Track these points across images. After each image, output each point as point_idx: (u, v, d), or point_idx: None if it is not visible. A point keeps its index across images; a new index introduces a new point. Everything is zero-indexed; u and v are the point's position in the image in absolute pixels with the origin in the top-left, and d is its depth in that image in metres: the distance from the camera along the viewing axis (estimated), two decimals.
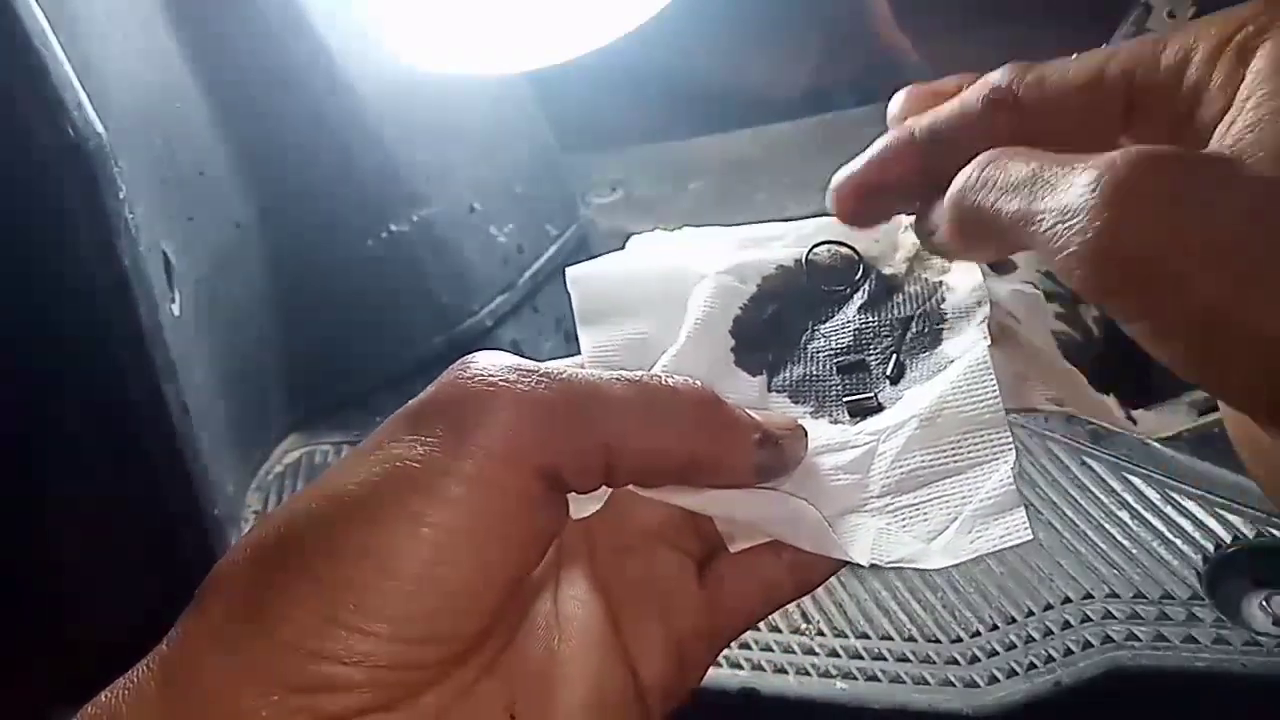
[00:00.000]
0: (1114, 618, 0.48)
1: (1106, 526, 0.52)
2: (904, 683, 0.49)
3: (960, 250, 0.33)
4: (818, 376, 0.36)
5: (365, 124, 0.71)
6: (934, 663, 0.49)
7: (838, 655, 0.51)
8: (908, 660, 0.50)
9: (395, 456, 0.26)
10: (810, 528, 0.31)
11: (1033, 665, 0.48)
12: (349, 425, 0.72)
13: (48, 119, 0.49)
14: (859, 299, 0.37)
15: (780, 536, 0.32)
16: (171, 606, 0.26)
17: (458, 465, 0.26)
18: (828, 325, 0.37)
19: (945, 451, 0.32)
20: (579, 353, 0.36)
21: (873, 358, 0.35)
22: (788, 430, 0.31)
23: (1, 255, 0.52)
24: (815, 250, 0.38)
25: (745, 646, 0.52)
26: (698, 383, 0.30)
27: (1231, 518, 0.51)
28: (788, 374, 0.36)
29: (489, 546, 0.26)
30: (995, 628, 0.50)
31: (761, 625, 0.52)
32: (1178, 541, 0.51)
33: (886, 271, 0.37)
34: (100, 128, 0.51)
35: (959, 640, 0.50)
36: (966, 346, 0.33)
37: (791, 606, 0.53)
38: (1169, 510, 0.52)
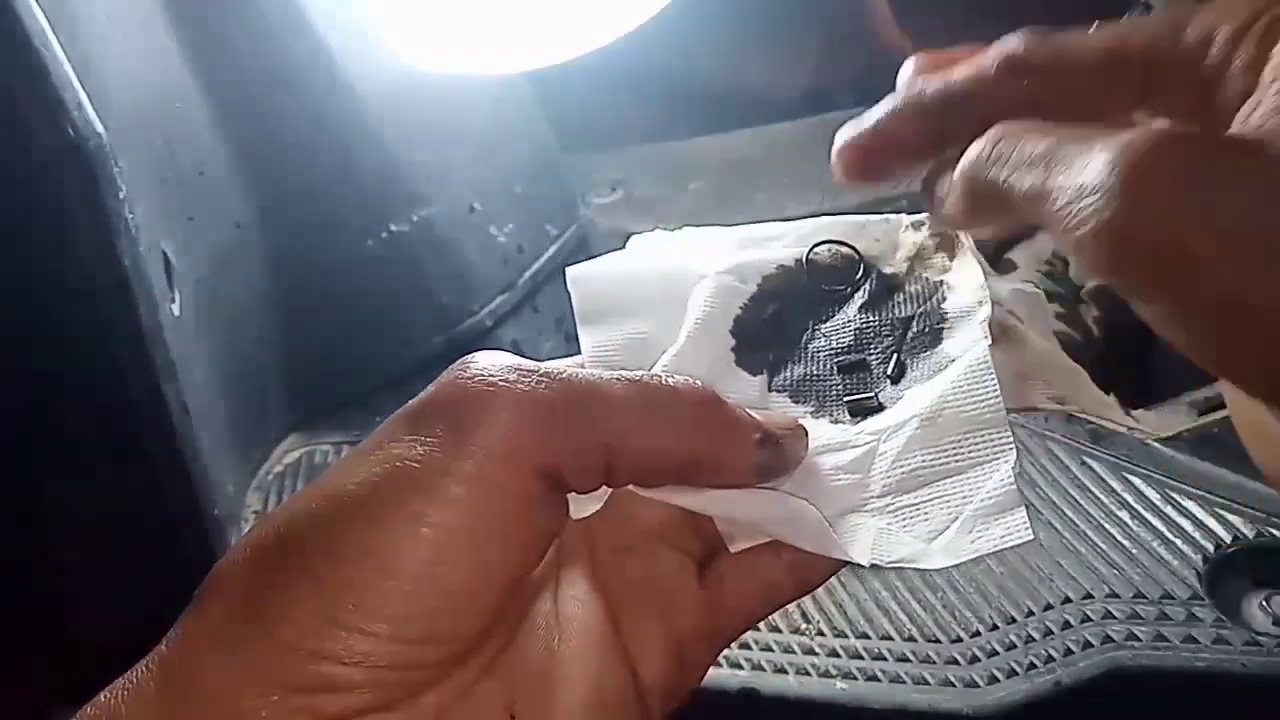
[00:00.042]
0: (1114, 618, 0.48)
1: (1106, 526, 0.52)
2: (904, 683, 0.49)
3: (968, 223, 0.33)
4: (818, 376, 0.36)
5: (365, 124, 0.71)
6: (934, 663, 0.49)
7: (838, 655, 0.51)
8: (908, 660, 0.50)
9: (395, 456, 0.26)
10: (810, 528, 0.31)
11: (1033, 665, 0.48)
12: (349, 425, 0.72)
13: (48, 119, 0.49)
14: (859, 298, 0.37)
15: (780, 536, 0.32)
16: (171, 606, 0.26)
17: (458, 465, 0.26)
18: (828, 325, 0.37)
19: (946, 451, 0.32)
20: (579, 353, 0.36)
21: (873, 357, 0.35)
22: (788, 430, 0.31)
23: (1, 255, 0.52)
24: (816, 250, 0.38)
25: (745, 646, 0.52)
26: (698, 382, 0.30)
27: (1231, 518, 0.51)
28: (788, 374, 0.36)
29: (489, 546, 0.26)
30: (995, 628, 0.50)
31: (761, 625, 0.52)
32: (1178, 541, 0.51)
33: (887, 271, 0.37)
34: (100, 128, 0.51)
35: (959, 640, 0.50)
36: (967, 346, 0.33)
37: (791, 606, 0.53)
38: (1169, 510, 0.52)
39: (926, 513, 0.31)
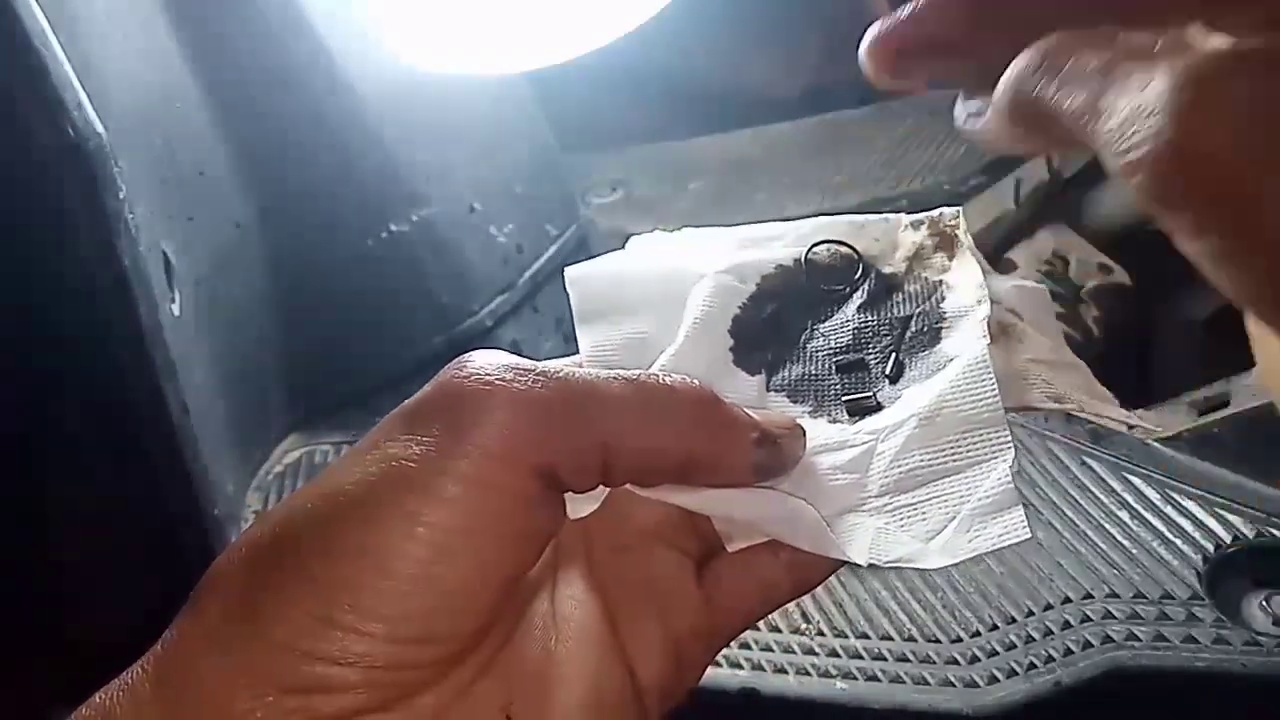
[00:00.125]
0: (1114, 618, 0.48)
1: (1106, 526, 0.52)
2: (904, 683, 0.49)
3: (1006, 142, 0.29)
4: (817, 376, 0.35)
5: (365, 124, 0.71)
6: (934, 663, 0.49)
7: (838, 655, 0.51)
8: (908, 660, 0.50)
9: (391, 456, 0.26)
10: (808, 527, 0.31)
11: (1033, 665, 0.48)
12: (349, 425, 0.72)
13: (48, 119, 0.49)
14: (858, 298, 0.37)
15: (778, 536, 0.32)
16: (171, 606, 0.26)
17: (454, 465, 0.26)
18: (827, 324, 0.37)
19: (944, 451, 0.32)
20: (578, 353, 0.36)
21: (872, 357, 0.35)
22: (786, 429, 0.31)
23: (1, 255, 0.52)
24: (814, 250, 0.38)
25: (745, 646, 0.52)
26: (696, 381, 0.30)
27: (1231, 518, 0.51)
28: (786, 373, 0.36)
29: (485, 546, 0.26)
30: (995, 628, 0.50)
31: (761, 625, 0.52)
32: (1178, 541, 0.51)
33: (886, 270, 0.37)
34: (100, 128, 0.51)
35: (959, 640, 0.50)
36: (966, 345, 0.33)
37: (791, 606, 0.53)
38: (1169, 510, 0.52)
39: (924, 512, 0.31)
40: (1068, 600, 0.50)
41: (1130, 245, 0.78)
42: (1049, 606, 0.50)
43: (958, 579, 0.52)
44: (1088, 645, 0.48)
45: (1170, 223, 0.24)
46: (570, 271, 0.37)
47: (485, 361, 0.27)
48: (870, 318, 0.36)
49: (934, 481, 0.32)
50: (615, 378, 0.28)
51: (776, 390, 0.36)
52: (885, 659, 0.50)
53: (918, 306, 0.36)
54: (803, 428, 0.32)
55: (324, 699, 0.24)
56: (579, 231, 0.86)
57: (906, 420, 0.33)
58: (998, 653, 0.49)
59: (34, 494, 0.58)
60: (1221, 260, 0.23)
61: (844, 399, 0.35)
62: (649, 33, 0.67)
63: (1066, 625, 0.49)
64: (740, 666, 0.51)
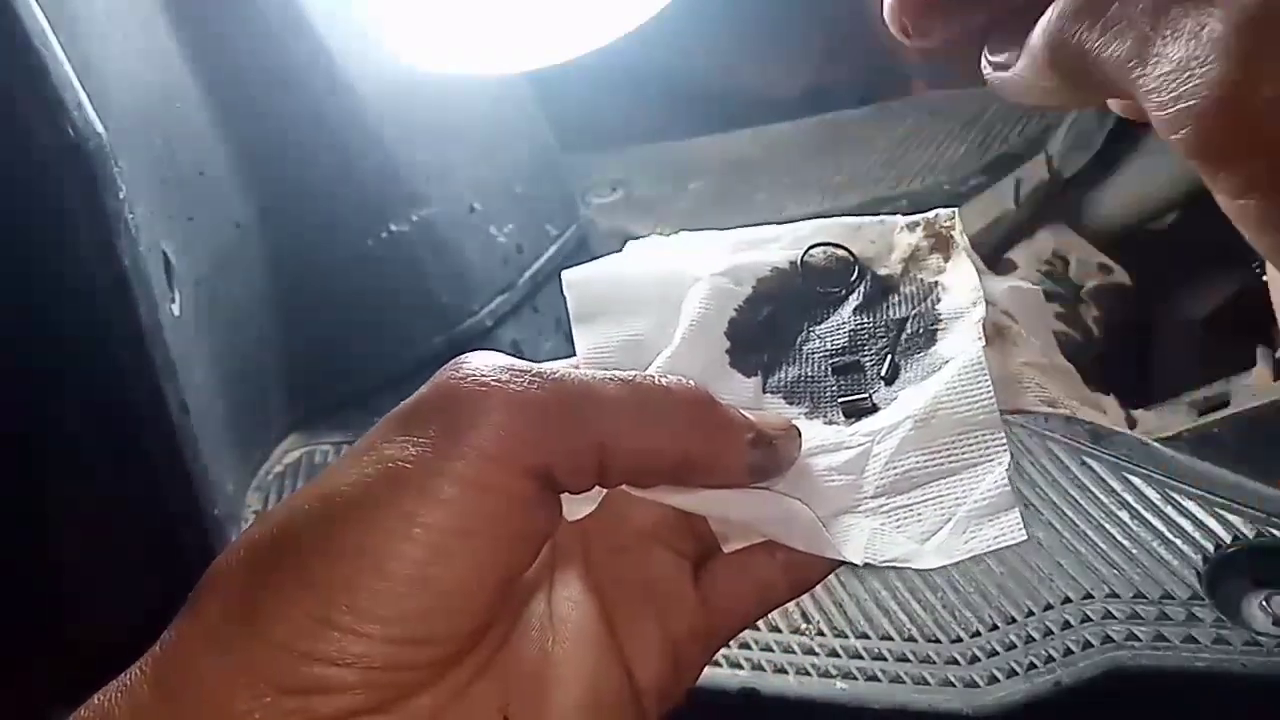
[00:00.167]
0: (1114, 618, 0.48)
1: (1106, 526, 0.52)
2: (904, 683, 0.49)
3: (1037, 95, 0.28)
4: (813, 377, 0.35)
5: (365, 124, 0.71)
6: (934, 663, 0.49)
7: (838, 655, 0.51)
8: (908, 660, 0.50)
9: (388, 457, 0.26)
10: (804, 528, 0.31)
11: (1033, 665, 0.48)
12: (349, 425, 0.72)
13: (48, 119, 0.49)
14: (854, 300, 0.37)
15: (774, 537, 0.32)
16: (171, 606, 0.27)
17: (450, 466, 0.26)
18: (823, 326, 0.37)
19: (940, 452, 0.32)
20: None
21: (867, 359, 0.35)
22: (781, 431, 0.31)
23: (1, 255, 0.52)
24: (811, 252, 0.38)
25: (745, 646, 0.52)
26: (691, 383, 0.30)
27: (1231, 518, 0.51)
28: (782, 375, 0.36)
29: (482, 547, 0.26)
30: (995, 628, 0.50)
31: (761, 625, 0.52)
32: (1178, 541, 0.51)
33: (882, 273, 0.37)
34: (100, 128, 0.51)
35: (959, 640, 0.50)
36: (961, 347, 0.33)
37: (791, 606, 0.53)
38: (1169, 510, 0.52)
39: (920, 513, 0.31)
40: (1068, 600, 0.50)
41: (1130, 245, 0.78)
42: (1049, 606, 0.50)
43: (958, 579, 0.52)
44: (1088, 645, 0.48)
45: (1216, 180, 0.22)
46: (567, 275, 0.37)
47: (481, 363, 0.27)
48: (866, 320, 0.36)
49: (930, 483, 0.32)
50: (611, 379, 0.28)
51: (772, 392, 0.36)
52: (885, 659, 0.50)
53: (913, 308, 0.36)
54: (798, 429, 0.32)
55: (322, 700, 0.24)
56: (579, 231, 0.86)
57: (902, 422, 0.33)
58: (998, 653, 0.49)
59: (34, 494, 0.58)
60: (1264, 221, 0.22)
61: (840, 401, 0.35)
62: (649, 33, 0.67)
63: (1066, 625, 0.49)
64: (740, 666, 0.51)
